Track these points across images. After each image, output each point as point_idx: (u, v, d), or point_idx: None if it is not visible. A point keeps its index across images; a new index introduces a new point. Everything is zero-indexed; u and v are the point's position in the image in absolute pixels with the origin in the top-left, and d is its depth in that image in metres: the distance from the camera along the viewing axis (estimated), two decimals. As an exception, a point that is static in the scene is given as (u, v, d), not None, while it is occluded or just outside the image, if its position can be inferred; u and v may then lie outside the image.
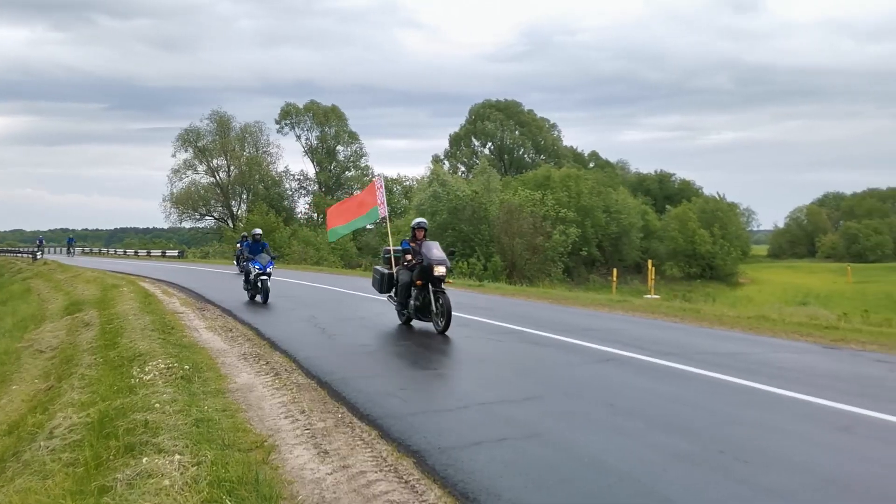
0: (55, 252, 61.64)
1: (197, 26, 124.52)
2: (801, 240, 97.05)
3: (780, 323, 12.28)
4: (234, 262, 29.76)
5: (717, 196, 75.54)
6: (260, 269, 15.61)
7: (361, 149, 70.16)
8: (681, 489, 4.40)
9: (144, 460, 4.93)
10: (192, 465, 4.84)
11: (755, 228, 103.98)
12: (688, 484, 4.49)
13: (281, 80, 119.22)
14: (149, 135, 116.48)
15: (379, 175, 17.67)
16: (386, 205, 14.80)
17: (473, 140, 78.85)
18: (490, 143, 78.65)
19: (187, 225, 65.94)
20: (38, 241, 63.59)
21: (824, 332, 11.09)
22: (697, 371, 7.84)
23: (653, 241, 64.28)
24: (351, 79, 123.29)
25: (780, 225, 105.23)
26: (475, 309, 14.10)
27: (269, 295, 15.61)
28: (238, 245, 27.71)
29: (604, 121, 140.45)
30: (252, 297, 16.07)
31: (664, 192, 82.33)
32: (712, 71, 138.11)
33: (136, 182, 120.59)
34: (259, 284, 15.57)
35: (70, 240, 60.36)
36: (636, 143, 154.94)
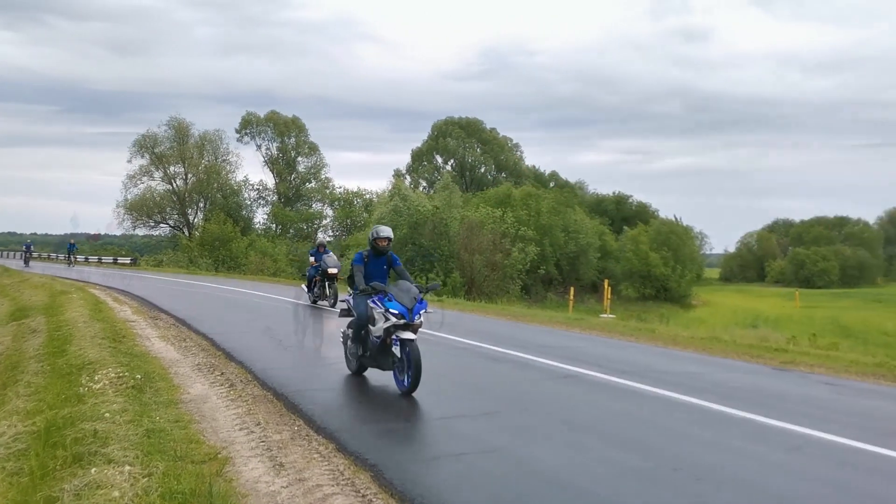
0: (11, 257, 55.52)
1: (152, 31, 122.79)
2: (752, 264, 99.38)
3: (732, 344, 12.54)
4: (305, 288, 18.22)
5: (673, 219, 76.94)
6: (399, 313, 7.58)
7: (322, 160, 69.78)
8: (636, 505, 4.44)
9: (93, 471, 4.80)
10: (143, 477, 4.72)
11: (708, 252, 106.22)
12: (644, 500, 4.55)
13: (238, 89, 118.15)
14: (102, 139, 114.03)
15: None
16: None
17: (436, 156, 79.12)
18: (452, 160, 78.99)
19: (141, 232, 64.56)
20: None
21: (774, 354, 11.36)
22: (652, 389, 7.95)
23: (609, 261, 65.10)
24: (309, 90, 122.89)
25: (732, 249, 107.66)
26: (433, 324, 14.09)
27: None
28: (312, 258, 17.94)
29: (560, 142, 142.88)
30: (359, 370, 8.57)
31: (621, 213, 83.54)
32: (665, 97, 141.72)
33: (88, 187, 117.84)
34: (398, 348, 7.58)
35: (71, 245, 45.48)
36: (592, 165, 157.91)
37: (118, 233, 62.86)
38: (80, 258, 51.03)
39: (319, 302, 17.45)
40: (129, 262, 51.37)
